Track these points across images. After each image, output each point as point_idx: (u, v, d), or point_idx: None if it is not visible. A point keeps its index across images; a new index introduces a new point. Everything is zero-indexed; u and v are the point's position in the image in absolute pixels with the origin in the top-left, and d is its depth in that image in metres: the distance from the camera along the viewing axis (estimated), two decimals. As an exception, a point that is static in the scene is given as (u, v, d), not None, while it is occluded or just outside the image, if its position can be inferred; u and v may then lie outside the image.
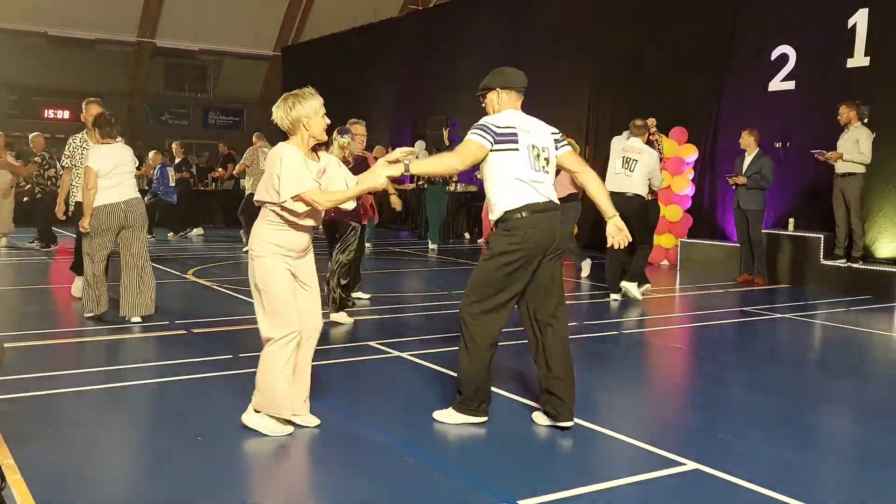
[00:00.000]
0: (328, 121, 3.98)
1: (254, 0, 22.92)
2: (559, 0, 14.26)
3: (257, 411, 3.99)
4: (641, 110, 12.15)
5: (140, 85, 23.75)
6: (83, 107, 7.25)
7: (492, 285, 4.01)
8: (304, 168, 3.84)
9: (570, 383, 4.10)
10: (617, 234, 4.20)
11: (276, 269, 3.91)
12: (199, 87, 25.33)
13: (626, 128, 12.54)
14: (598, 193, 4.19)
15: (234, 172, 12.96)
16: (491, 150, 3.96)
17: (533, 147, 4.01)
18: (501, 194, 3.99)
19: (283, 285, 3.92)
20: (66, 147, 7.31)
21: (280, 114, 3.89)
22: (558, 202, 4.13)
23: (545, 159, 4.04)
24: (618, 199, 7.94)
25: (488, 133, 3.97)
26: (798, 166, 10.47)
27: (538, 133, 4.07)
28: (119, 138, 6.80)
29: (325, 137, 4.02)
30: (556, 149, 4.13)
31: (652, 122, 8.70)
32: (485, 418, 4.17)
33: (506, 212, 3.98)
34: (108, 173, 6.36)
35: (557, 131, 4.20)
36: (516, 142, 3.97)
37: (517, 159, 3.96)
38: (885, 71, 9.62)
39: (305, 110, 3.84)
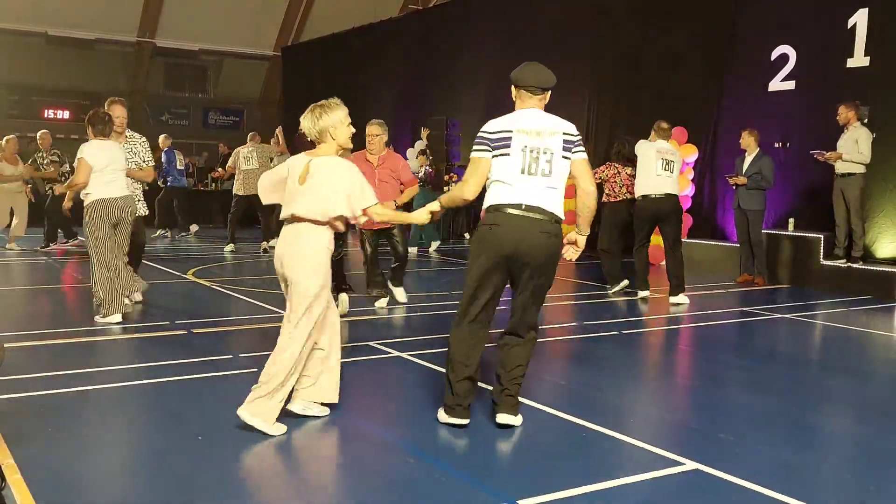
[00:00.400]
0: (353, 129, 4.12)
1: (254, 0, 22.91)
2: (559, 0, 14.26)
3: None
4: (641, 110, 12.20)
5: (140, 85, 23.74)
6: (105, 106, 7.09)
7: (466, 287, 4.04)
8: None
9: (508, 388, 4.11)
10: (571, 249, 4.16)
11: (330, 277, 4.10)
12: (199, 87, 25.31)
13: (625, 128, 12.59)
14: (586, 212, 4.09)
15: (230, 171, 12.94)
16: (493, 158, 3.97)
17: (531, 150, 3.91)
18: (487, 195, 4.02)
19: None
20: None
21: (307, 123, 4.05)
22: (554, 212, 3.93)
23: (546, 162, 3.91)
24: (659, 201, 8.04)
25: (484, 143, 3.99)
26: (798, 166, 10.47)
27: (543, 135, 3.94)
28: (134, 134, 6.95)
29: (350, 145, 4.16)
30: (572, 152, 3.98)
31: None
32: (464, 421, 4.08)
33: (483, 210, 4.04)
34: (102, 169, 6.42)
35: (575, 134, 4.02)
36: (509, 145, 3.93)
37: (507, 162, 3.93)
38: (885, 71, 9.62)
39: (332, 120, 4.02)
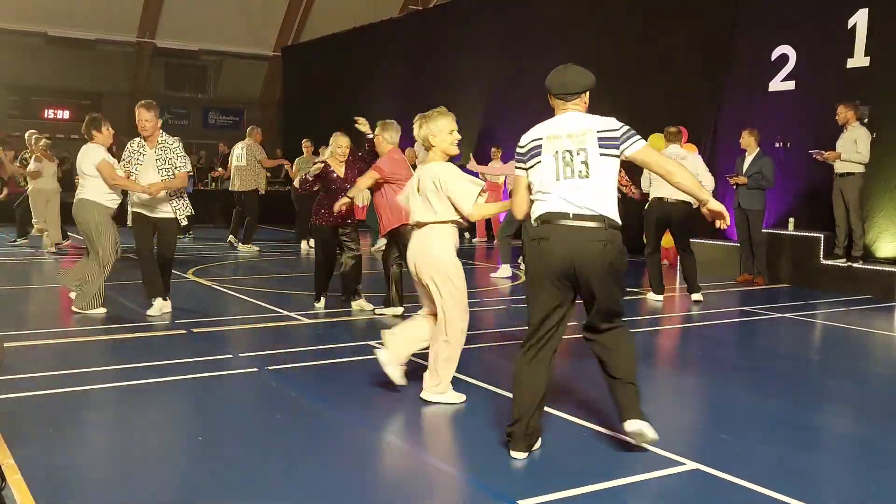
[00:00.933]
0: (458, 136, 4.54)
1: (254, 0, 22.91)
2: (559, 0, 14.26)
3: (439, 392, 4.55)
4: (641, 110, 12.18)
5: (140, 85, 23.72)
6: (137, 111, 6.69)
7: (529, 314, 3.76)
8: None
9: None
10: (717, 220, 3.80)
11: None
12: (199, 87, 25.31)
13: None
14: (686, 186, 3.75)
15: (230, 170, 12.87)
16: (527, 172, 3.78)
17: (564, 153, 3.63)
18: (532, 206, 3.78)
19: None
20: (125, 151, 6.90)
21: (415, 131, 4.55)
22: (605, 215, 3.56)
23: (582, 163, 3.60)
24: (670, 205, 8.13)
25: (518, 160, 3.82)
26: (798, 166, 10.47)
27: (575, 136, 3.66)
28: (167, 139, 6.80)
29: (454, 151, 4.54)
30: (619, 147, 3.64)
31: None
32: (522, 455, 3.75)
33: (532, 222, 3.76)
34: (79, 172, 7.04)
35: (614, 128, 3.68)
36: (540, 153, 3.69)
37: (542, 169, 3.69)
38: (885, 71, 9.62)
39: (431, 129, 4.48)
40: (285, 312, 7.18)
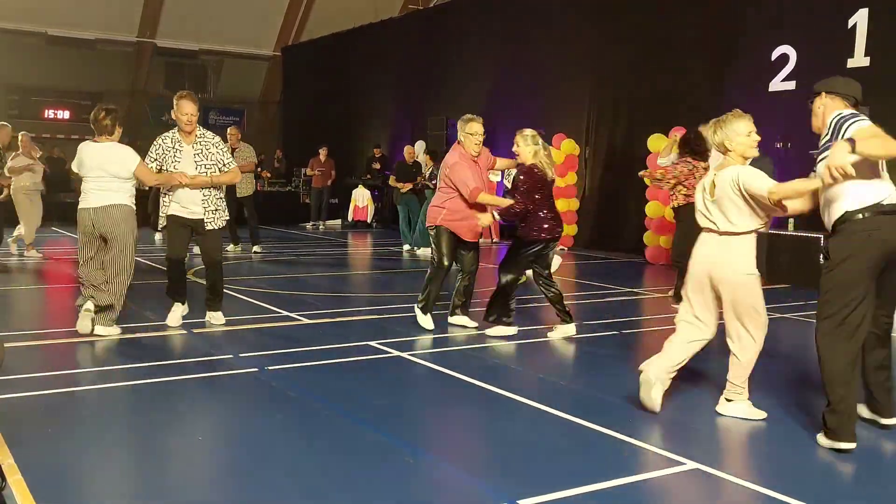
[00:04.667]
0: (757, 137, 4.33)
1: (254, 0, 22.93)
2: (559, 0, 14.26)
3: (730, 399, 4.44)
4: (641, 111, 12.19)
5: (140, 85, 23.74)
6: (179, 102, 6.21)
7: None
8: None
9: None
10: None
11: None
12: (199, 87, 25.30)
13: (624, 129, 12.59)
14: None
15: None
16: None
17: None
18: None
19: None
20: (154, 147, 6.26)
21: (710, 136, 4.43)
22: None
23: None
24: None
25: None
26: (798, 166, 10.46)
27: None
28: (206, 133, 6.40)
29: (754, 153, 4.34)
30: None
31: None
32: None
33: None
34: (85, 175, 6.06)
35: None
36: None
37: None
38: (885, 71, 9.62)
39: (727, 133, 4.28)
40: (285, 312, 7.18)
